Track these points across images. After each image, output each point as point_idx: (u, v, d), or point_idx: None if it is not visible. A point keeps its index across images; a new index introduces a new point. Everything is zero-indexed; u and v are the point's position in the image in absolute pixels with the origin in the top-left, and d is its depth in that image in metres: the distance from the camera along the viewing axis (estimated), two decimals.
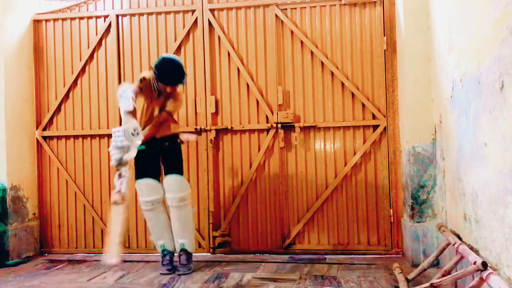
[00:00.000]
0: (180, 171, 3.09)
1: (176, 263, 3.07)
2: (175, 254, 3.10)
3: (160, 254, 3.13)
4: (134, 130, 2.58)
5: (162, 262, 3.07)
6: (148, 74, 2.96)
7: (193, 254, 3.53)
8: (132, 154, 2.62)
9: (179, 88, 3.06)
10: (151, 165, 3.05)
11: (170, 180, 3.03)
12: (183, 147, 3.55)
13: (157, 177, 3.06)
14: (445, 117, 2.69)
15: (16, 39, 3.66)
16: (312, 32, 3.51)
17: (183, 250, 3.05)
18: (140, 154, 2.74)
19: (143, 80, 2.89)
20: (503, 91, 1.72)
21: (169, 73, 2.88)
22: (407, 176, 3.08)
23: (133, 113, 2.72)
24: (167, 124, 3.05)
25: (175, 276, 2.95)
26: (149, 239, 3.38)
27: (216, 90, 3.61)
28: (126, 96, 2.71)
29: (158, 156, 3.08)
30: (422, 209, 3.01)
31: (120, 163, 2.60)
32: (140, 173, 3.04)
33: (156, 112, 3.04)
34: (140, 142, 2.67)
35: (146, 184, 3.00)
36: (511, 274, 1.71)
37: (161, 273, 3.00)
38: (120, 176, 2.62)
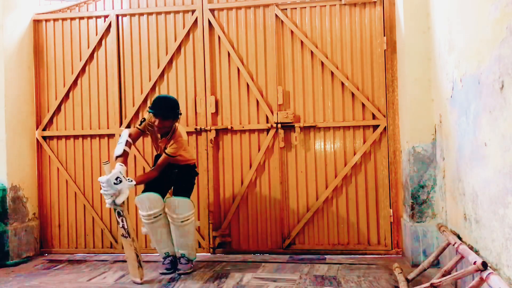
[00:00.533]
0: (185, 194, 3.06)
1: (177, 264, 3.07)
2: (177, 256, 3.09)
3: (160, 255, 3.13)
4: (117, 179, 2.72)
5: (163, 262, 3.08)
6: (148, 115, 3.03)
7: None
8: (123, 197, 2.76)
9: (177, 129, 3.04)
10: (156, 181, 3.01)
11: (174, 201, 2.96)
12: None
13: (159, 192, 2.99)
14: (445, 117, 2.69)
15: (16, 39, 3.66)
16: (312, 32, 3.51)
17: (184, 257, 3.05)
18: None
19: (142, 121, 3.04)
20: (503, 91, 1.72)
21: (156, 104, 2.94)
22: (407, 176, 3.08)
23: (123, 156, 2.86)
24: (174, 159, 3.03)
25: (175, 276, 2.95)
26: (149, 239, 3.39)
27: (216, 90, 3.61)
28: (120, 141, 2.91)
29: (166, 178, 3.07)
30: (422, 209, 3.01)
31: (115, 205, 2.78)
32: (143, 189, 3.05)
33: (162, 148, 3.08)
34: (132, 184, 2.80)
35: (147, 197, 2.94)
36: (511, 274, 1.71)
37: (160, 273, 3.01)
38: (119, 215, 2.82)
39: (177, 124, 3.05)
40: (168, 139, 3.03)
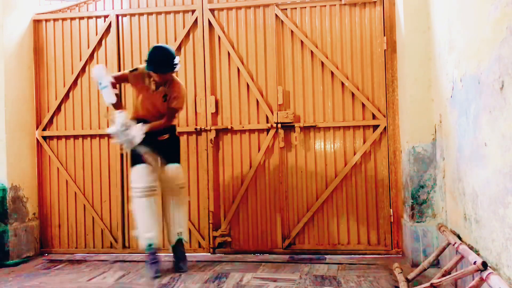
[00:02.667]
0: (178, 160, 3.14)
1: (166, 263, 3.03)
2: (167, 249, 3.11)
3: (145, 251, 3.00)
4: (124, 127, 2.78)
5: (150, 261, 2.93)
6: (143, 66, 2.98)
7: (193, 254, 3.56)
8: (138, 139, 2.82)
9: (175, 79, 3.02)
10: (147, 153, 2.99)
11: (171, 168, 3.02)
12: (183, 145, 3.56)
13: (153, 164, 2.99)
14: (445, 117, 2.69)
15: (16, 39, 3.66)
16: (312, 32, 3.51)
17: (180, 241, 3.04)
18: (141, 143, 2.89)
19: (134, 70, 2.97)
20: (503, 91, 1.72)
21: (154, 58, 2.86)
22: (407, 176, 3.08)
23: (117, 104, 2.88)
24: (172, 118, 3.07)
25: (175, 276, 2.95)
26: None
27: (216, 90, 3.61)
28: (104, 84, 2.85)
29: (155, 147, 3.02)
30: (422, 209, 3.01)
31: (135, 146, 2.88)
32: (135, 160, 2.98)
33: (158, 105, 3.01)
34: (141, 128, 2.83)
35: (142, 169, 2.91)
36: (511, 274, 1.71)
37: (152, 277, 2.88)
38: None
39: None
40: (167, 87, 2.96)
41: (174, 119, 3.12)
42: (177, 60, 2.94)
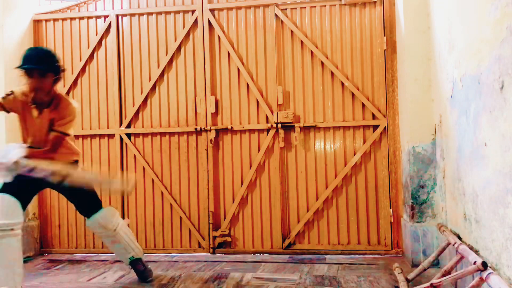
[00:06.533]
0: (97, 206, 2.67)
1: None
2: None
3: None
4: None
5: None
6: (19, 88, 2.47)
7: (193, 254, 3.56)
8: (14, 156, 2.25)
9: (63, 98, 2.49)
10: (22, 184, 2.34)
11: (96, 221, 2.64)
12: (183, 145, 3.56)
13: (21, 198, 2.37)
14: (445, 117, 2.69)
15: (16, 39, 3.66)
16: (312, 32, 3.51)
17: (133, 261, 2.81)
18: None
19: (9, 94, 2.42)
20: (503, 91, 1.72)
21: (25, 57, 2.33)
22: (407, 176, 3.08)
23: None
24: (63, 150, 2.48)
25: (175, 276, 2.95)
26: (149, 238, 3.38)
27: (216, 90, 3.61)
28: None
29: (41, 183, 2.43)
30: (422, 209, 3.01)
31: (15, 170, 2.27)
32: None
33: (45, 132, 2.44)
34: (18, 155, 2.26)
35: (2, 200, 2.27)
36: (511, 274, 1.71)
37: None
38: (30, 171, 2.28)
39: (57, 88, 2.45)
40: (51, 110, 2.40)
41: (61, 148, 2.50)
42: (59, 62, 2.46)
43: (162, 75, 3.67)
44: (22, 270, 2.34)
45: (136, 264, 2.85)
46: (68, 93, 3.79)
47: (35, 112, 2.43)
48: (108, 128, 3.73)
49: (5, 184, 2.32)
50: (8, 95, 2.39)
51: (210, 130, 3.57)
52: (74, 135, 3.76)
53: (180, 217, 3.62)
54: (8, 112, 2.48)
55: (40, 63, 2.33)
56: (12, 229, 2.25)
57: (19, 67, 2.33)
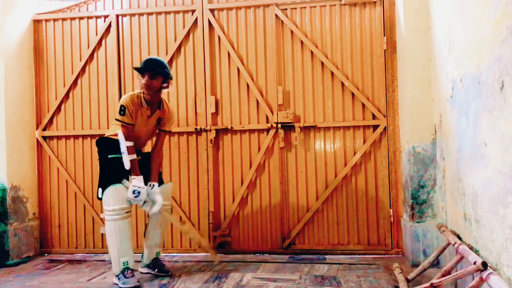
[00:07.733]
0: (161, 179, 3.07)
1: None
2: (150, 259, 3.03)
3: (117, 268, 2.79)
4: (134, 192, 2.72)
5: (124, 275, 2.73)
6: (128, 97, 2.81)
7: (193, 254, 3.57)
8: (156, 207, 2.81)
9: (164, 100, 2.94)
10: (122, 172, 2.77)
11: (167, 187, 3.01)
12: (183, 145, 3.57)
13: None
14: (445, 117, 2.69)
15: (16, 39, 3.66)
16: (312, 32, 3.51)
17: (158, 259, 3.03)
18: (116, 161, 2.76)
19: (123, 109, 2.77)
20: (503, 91, 1.72)
21: (144, 62, 2.79)
22: (407, 176, 3.08)
23: (133, 166, 2.73)
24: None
25: (175, 276, 2.95)
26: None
27: (216, 90, 3.61)
28: (122, 150, 2.74)
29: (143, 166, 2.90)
30: (422, 209, 3.01)
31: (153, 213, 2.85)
32: (114, 179, 2.75)
33: (151, 131, 2.94)
34: (156, 188, 2.85)
35: (123, 189, 2.74)
36: (511, 274, 1.71)
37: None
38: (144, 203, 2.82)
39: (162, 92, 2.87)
40: (161, 109, 2.90)
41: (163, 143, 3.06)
42: (169, 70, 2.87)
43: None
44: (132, 246, 2.81)
45: (158, 259, 3.03)
46: (68, 93, 3.79)
47: (147, 112, 2.85)
48: (108, 128, 3.73)
49: (114, 175, 2.74)
50: (123, 110, 2.75)
51: (210, 130, 3.57)
52: (74, 135, 3.78)
53: (180, 217, 3.62)
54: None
55: (160, 70, 2.77)
56: (127, 212, 2.75)
57: (142, 69, 2.76)
